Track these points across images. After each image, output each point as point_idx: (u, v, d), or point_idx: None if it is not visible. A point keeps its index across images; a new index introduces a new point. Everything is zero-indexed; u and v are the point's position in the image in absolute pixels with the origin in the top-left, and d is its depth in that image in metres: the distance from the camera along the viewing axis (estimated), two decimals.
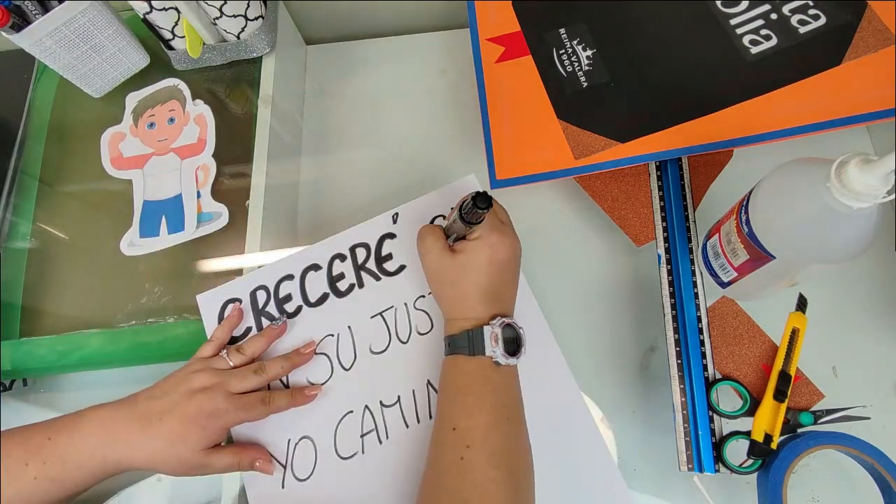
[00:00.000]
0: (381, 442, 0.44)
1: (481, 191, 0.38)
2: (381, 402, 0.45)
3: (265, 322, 0.47)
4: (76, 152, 0.59)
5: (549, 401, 0.43)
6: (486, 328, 0.39)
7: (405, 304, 0.48)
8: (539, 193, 0.54)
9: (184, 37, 0.55)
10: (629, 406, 0.47)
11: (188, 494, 0.47)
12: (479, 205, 0.38)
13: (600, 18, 0.54)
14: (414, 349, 0.46)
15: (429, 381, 0.45)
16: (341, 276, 0.49)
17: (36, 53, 0.54)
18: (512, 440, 0.38)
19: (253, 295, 0.48)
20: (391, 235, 0.50)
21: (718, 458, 0.41)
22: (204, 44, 0.57)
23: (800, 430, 0.41)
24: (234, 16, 0.54)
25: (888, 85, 0.45)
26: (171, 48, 0.58)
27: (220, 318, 0.48)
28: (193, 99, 0.58)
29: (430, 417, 0.44)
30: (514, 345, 0.40)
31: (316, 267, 0.49)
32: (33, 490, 0.38)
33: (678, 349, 0.43)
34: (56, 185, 0.58)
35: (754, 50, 0.49)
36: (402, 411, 0.45)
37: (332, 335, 0.47)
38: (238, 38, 0.57)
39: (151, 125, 0.58)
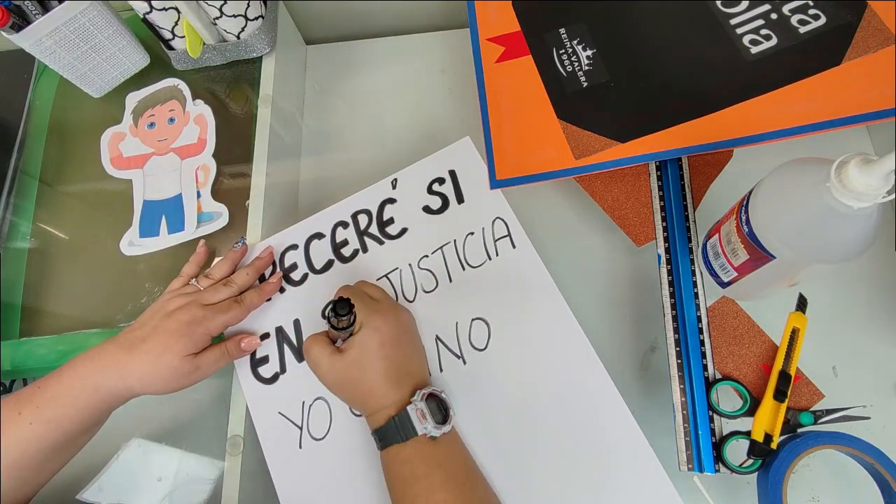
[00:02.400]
0: None
1: (339, 298, 0.38)
2: None
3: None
4: (76, 152, 0.59)
5: (592, 415, 0.43)
6: (409, 408, 0.38)
7: (409, 264, 0.49)
8: (539, 193, 0.54)
9: (184, 37, 0.55)
10: (629, 406, 0.47)
11: (188, 496, 0.47)
12: (339, 312, 0.38)
13: (600, 18, 0.54)
14: (421, 307, 0.47)
15: (437, 336, 0.46)
16: (345, 243, 0.50)
17: (36, 53, 0.54)
18: (474, 501, 0.38)
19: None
20: (391, 200, 0.51)
21: (718, 458, 0.41)
22: (204, 44, 0.57)
23: (800, 430, 0.41)
24: (234, 16, 0.54)
25: (888, 85, 0.45)
26: (171, 48, 0.58)
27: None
28: (193, 99, 0.58)
29: (441, 370, 0.45)
30: (442, 412, 0.40)
31: (319, 235, 0.51)
32: (32, 437, 0.38)
33: (678, 349, 0.43)
34: (56, 185, 0.58)
35: (754, 50, 0.49)
36: None
37: None
38: (238, 38, 0.57)
39: (151, 125, 0.58)
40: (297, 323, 0.48)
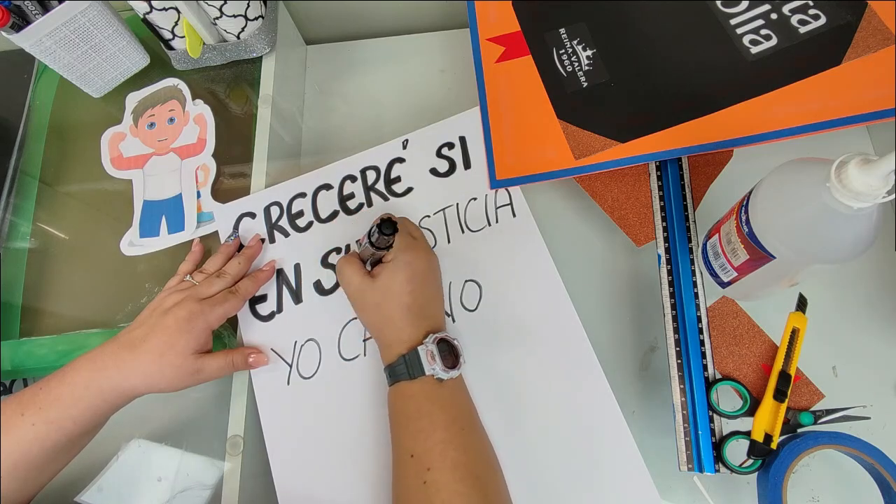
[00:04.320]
0: None
1: (385, 217, 0.40)
2: None
3: (278, 235, 0.51)
4: (76, 152, 0.59)
5: (574, 385, 0.44)
6: (420, 348, 0.40)
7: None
8: (539, 193, 0.54)
9: (184, 37, 0.55)
10: (629, 406, 0.47)
11: (188, 497, 0.47)
12: (384, 231, 0.39)
13: (600, 18, 0.54)
14: None
15: None
16: (351, 196, 0.52)
17: (36, 53, 0.54)
18: (471, 449, 0.38)
19: (267, 210, 0.52)
20: (400, 160, 0.53)
21: (718, 458, 0.41)
22: (204, 44, 0.57)
23: (800, 430, 0.41)
24: (234, 16, 0.54)
25: (888, 85, 0.45)
26: (171, 48, 0.58)
27: (235, 228, 0.51)
28: (193, 99, 0.58)
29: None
30: (452, 357, 0.41)
31: (327, 186, 0.53)
32: (34, 437, 0.38)
33: (678, 349, 0.43)
34: (56, 185, 0.58)
35: (754, 50, 0.49)
36: None
37: (341, 248, 0.50)
38: (238, 38, 0.57)
39: (151, 125, 0.58)
40: (297, 267, 0.50)
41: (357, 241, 0.49)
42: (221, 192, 0.54)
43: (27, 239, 0.55)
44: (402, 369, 0.40)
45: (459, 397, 0.41)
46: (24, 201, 0.57)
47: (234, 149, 0.56)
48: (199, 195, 0.54)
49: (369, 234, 0.41)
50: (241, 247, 0.50)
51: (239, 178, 0.54)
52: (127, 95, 0.60)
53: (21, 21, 0.52)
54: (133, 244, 0.53)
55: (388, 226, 0.39)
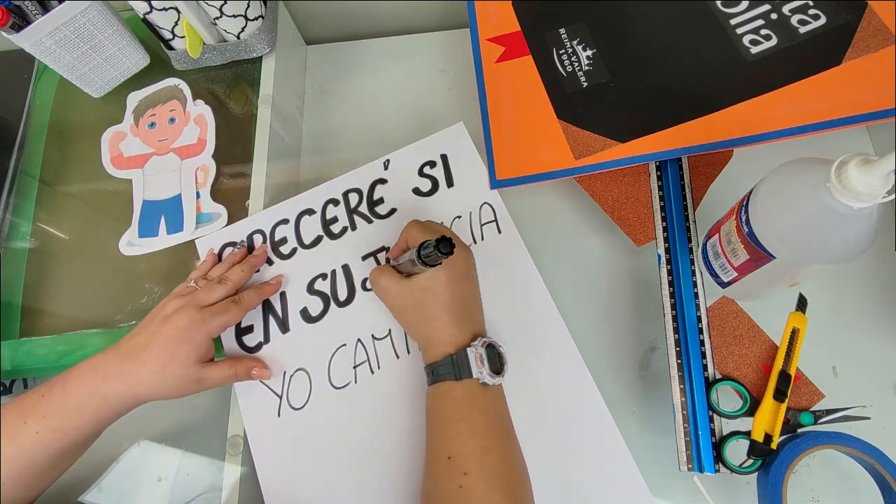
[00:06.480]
0: (373, 372, 0.46)
1: (445, 236, 0.38)
2: (372, 336, 0.47)
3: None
4: (76, 152, 0.59)
5: (566, 399, 0.44)
6: (469, 350, 0.39)
7: None
8: (539, 193, 0.54)
9: (184, 37, 0.55)
10: (629, 406, 0.47)
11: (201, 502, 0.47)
12: (442, 250, 0.37)
13: (600, 18, 0.54)
14: None
15: None
16: (334, 220, 0.51)
17: (36, 53, 0.54)
18: (508, 460, 0.38)
19: (250, 238, 0.51)
20: (382, 181, 0.52)
21: (718, 458, 0.41)
22: (204, 44, 0.57)
23: (800, 430, 0.41)
24: (234, 16, 0.54)
25: (888, 85, 0.45)
26: (171, 48, 0.58)
27: (219, 259, 0.50)
28: (194, 99, 0.58)
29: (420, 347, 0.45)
30: (497, 363, 0.41)
31: (310, 211, 0.52)
32: (37, 445, 0.38)
33: (678, 349, 0.43)
34: (56, 185, 0.58)
35: (754, 50, 0.49)
36: (392, 343, 0.47)
37: (326, 274, 0.49)
38: (238, 38, 0.57)
39: (152, 125, 0.58)
40: (283, 295, 0.49)
41: (387, 257, 0.48)
42: (221, 193, 0.54)
43: (27, 239, 0.55)
44: (447, 369, 0.39)
45: (500, 405, 0.40)
46: (24, 201, 0.57)
47: (233, 149, 0.56)
48: (198, 196, 0.54)
49: (419, 252, 0.39)
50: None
51: (239, 178, 0.54)
52: (128, 95, 0.60)
53: (21, 21, 0.52)
54: (132, 244, 0.53)
55: (446, 245, 0.37)
